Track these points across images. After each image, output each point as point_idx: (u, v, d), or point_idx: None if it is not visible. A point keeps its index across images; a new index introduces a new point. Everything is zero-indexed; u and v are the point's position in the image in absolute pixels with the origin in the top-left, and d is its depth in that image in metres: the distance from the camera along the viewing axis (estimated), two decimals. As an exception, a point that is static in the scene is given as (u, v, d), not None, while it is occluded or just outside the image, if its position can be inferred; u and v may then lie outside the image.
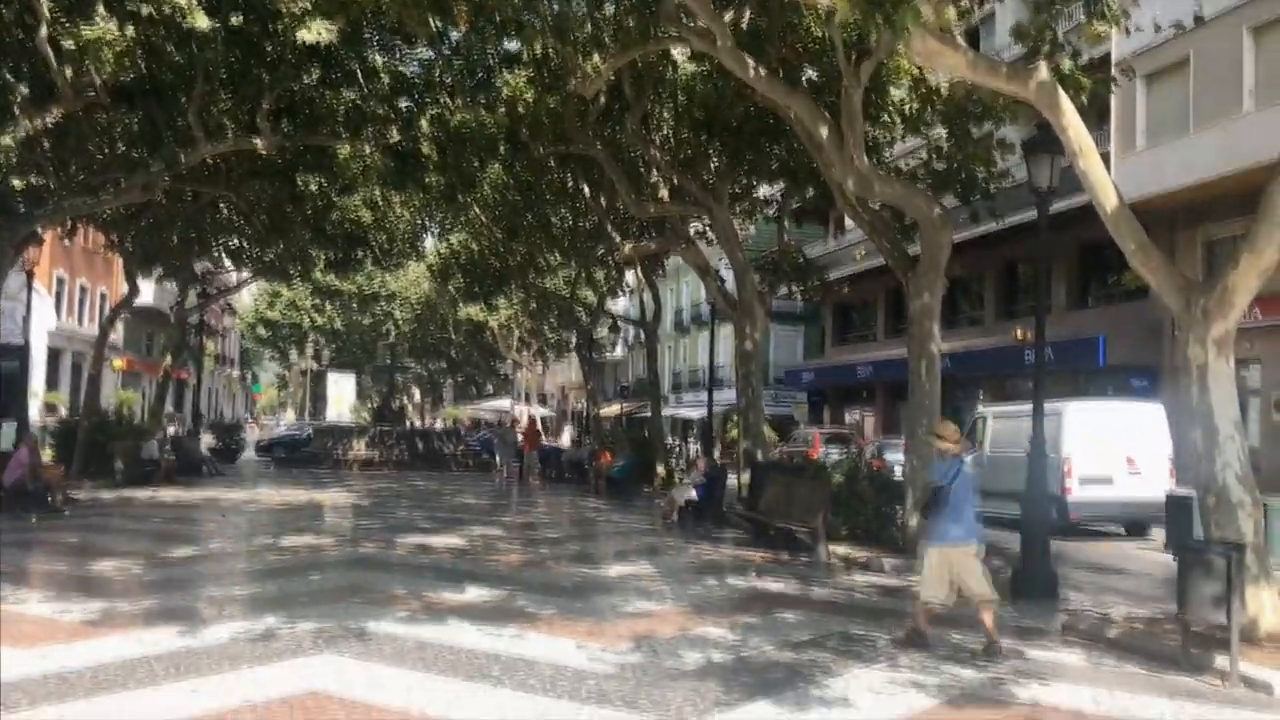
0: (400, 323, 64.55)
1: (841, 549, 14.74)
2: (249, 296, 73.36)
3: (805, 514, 15.16)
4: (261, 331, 73.91)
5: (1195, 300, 9.40)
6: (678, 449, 34.53)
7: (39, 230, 21.88)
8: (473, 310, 50.99)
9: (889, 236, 15.95)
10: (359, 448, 38.47)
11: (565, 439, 45.04)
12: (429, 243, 39.98)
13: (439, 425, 62.23)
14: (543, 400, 70.69)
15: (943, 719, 6.69)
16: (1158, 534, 17.43)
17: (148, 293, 41.95)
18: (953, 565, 8.84)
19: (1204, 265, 23.20)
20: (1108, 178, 9.98)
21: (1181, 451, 16.96)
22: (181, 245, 28.98)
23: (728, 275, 24.42)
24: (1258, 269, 9.10)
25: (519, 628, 9.17)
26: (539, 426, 46.07)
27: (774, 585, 12.29)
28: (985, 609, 8.76)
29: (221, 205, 26.81)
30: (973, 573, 8.82)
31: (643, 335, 33.44)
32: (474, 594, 10.98)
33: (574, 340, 42.29)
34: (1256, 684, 7.73)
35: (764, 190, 26.00)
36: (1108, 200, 9.81)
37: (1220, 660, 8.00)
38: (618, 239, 25.78)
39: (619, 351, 63.05)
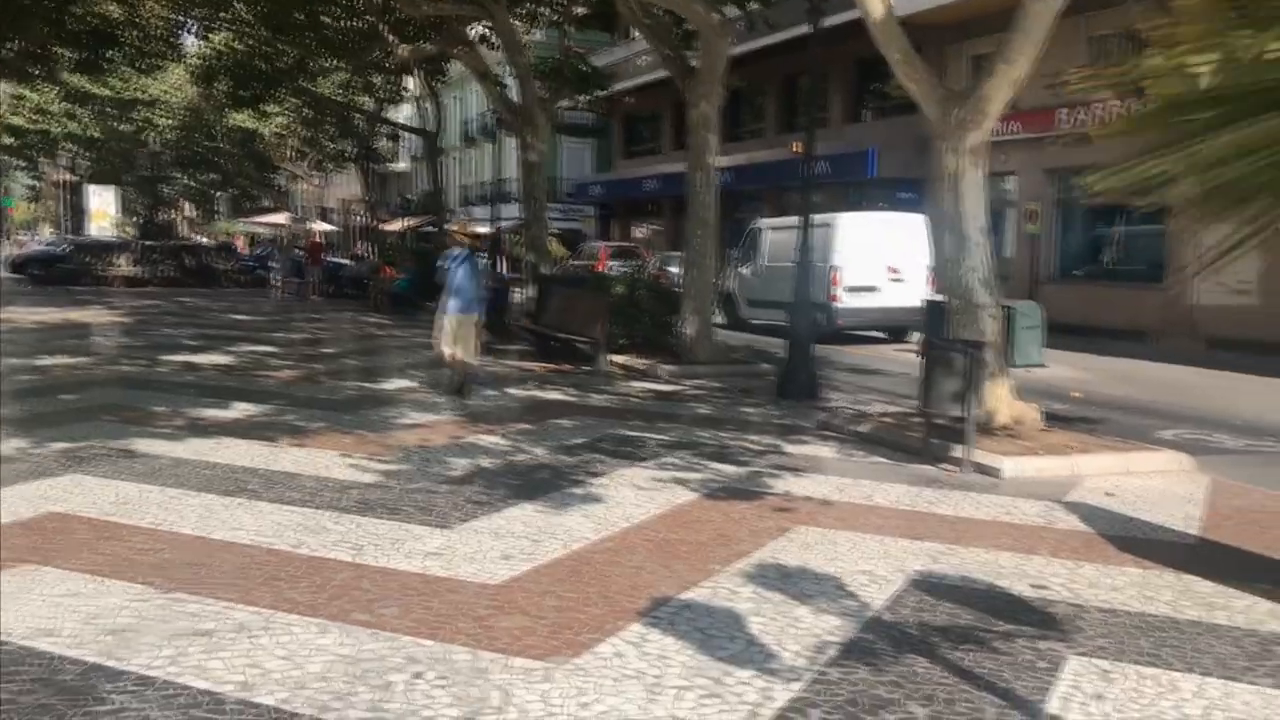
0: (163, 131, 60.12)
1: (621, 358, 15.03)
2: (-12, 101, 66.61)
3: (586, 325, 15.27)
4: (7, 140, 67.43)
5: (951, 110, 9.68)
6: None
7: None
8: (242, 117, 47.98)
9: (669, 44, 15.70)
10: (123, 264, 36.16)
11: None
12: (189, 42, 37.05)
13: (221, 240, 59.13)
14: (323, 215, 68.12)
15: (700, 511, 6.96)
16: (917, 338, 18.48)
17: None
18: (454, 329, 11.63)
19: (970, 79, 23.97)
20: (876, -14, 10.01)
21: (939, 259, 17.87)
22: (-105, 39, 25.83)
23: (512, 84, 23.68)
24: (1010, 79, 9.42)
25: (283, 443, 8.96)
26: (320, 241, 44.52)
27: (553, 395, 12.42)
28: (467, 366, 11.83)
29: (-60, -7, 23.88)
30: (466, 338, 11.68)
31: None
32: (239, 410, 10.64)
33: (353, 150, 40.56)
34: (987, 469, 8.39)
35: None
36: (874, 10, 9.87)
37: (958, 450, 8.61)
38: (394, 40, 24.48)
39: (404, 164, 61.04)
